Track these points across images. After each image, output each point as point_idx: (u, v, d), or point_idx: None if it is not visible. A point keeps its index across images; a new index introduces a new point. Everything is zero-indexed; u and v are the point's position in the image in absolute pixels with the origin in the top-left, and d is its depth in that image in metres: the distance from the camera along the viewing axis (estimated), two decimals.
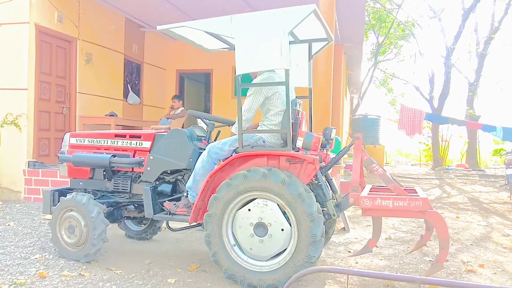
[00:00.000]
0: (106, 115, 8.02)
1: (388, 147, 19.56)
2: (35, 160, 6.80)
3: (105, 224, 3.80)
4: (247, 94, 3.56)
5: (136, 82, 10.03)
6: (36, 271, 3.53)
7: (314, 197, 3.24)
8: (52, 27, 7.13)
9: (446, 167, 16.46)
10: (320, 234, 3.17)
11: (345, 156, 9.71)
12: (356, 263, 4.17)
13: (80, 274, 3.52)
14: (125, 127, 8.12)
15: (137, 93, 9.99)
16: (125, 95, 9.51)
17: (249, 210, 3.32)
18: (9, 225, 5.05)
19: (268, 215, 3.27)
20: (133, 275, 3.56)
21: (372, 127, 15.13)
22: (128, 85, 9.66)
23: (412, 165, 20.43)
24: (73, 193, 3.88)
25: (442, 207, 7.58)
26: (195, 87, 12.70)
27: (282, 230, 3.25)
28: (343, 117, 11.69)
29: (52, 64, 7.32)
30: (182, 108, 8.87)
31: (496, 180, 12.19)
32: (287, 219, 3.26)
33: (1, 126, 6.50)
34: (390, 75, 22.60)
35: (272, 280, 3.23)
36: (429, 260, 4.29)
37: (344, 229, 5.46)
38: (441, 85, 17.61)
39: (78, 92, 7.83)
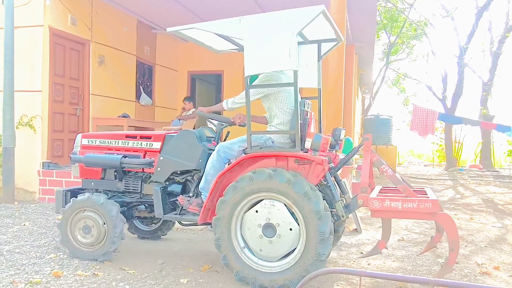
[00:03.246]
0: (118, 117, 8.10)
1: (400, 147, 19.39)
2: (49, 161, 6.90)
3: (123, 222, 3.89)
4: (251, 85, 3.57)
5: (148, 83, 10.11)
6: (51, 270, 3.58)
7: (320, 195, 3.24)
8: (65, 30, 7.23)
9: (460, 168, 16.26)
10: (329, 231, 3.17)
11: (357, 157, 9.66)
12: (369, 264, 4.15)
13: (94, 273, 3.55)
14: (138, 128, 8.19)
15: (149, 94, 10.07)
16: (138, 97, 9.60)
17: (257, 211, 3.33)
18: (24, 225, 5.13)
19: (275, 216, 3.28)
20: (146, 275, 3.59)
21: (384, 128, 15.00)
22: (140, 86, 9.75)
23: (425, 165, 20.22)
24: (86, 194, 3.93)
25: (456, 208, 7.50)
26: (206, 88, 12.74)
27: (291, 229, 3.25)
28: (354, 117, 11.64)
29: (65, 66, 7.42)
30: (194, 109, 8.92)
31: (511, 181, 12.01)
32: (295, 219, 3.26)
33: (17, 128, 6.60)
34: (402, 75, 22.42)
35: (284, 281, 3.23)
36: (442, 262, 4.24)
37: (356, 230, 5.43)
38: (454, 85, 17.41)
39: (91, 94, 7.92)
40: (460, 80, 17.00)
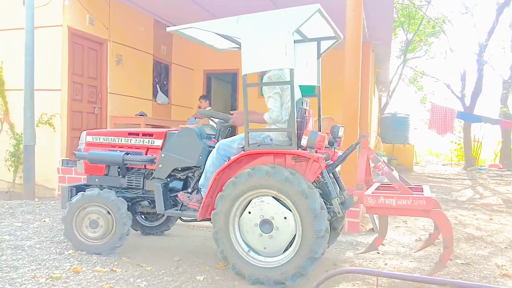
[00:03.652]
0: (136, 115, 8.19)
1: (418, 146, 19.13)
2: (68, 158, 7.02)
3: (131, 219, 4.01)
4: (267, 96, 3.57)
5: (164, 82, 10.20)
6: (71, 266, 3.64)
7: (317, 193, 3.29)
8: (84, 30, 7.34)
9: (479, 167, 15.96)
10: (324, 229, 3.22)
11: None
12: (386, 264, 4.11)
13: (112, 269, 3.61)
14: (154, 126, 8.27)
15: (166, 93, 10.15)
16: (154, 95, 9.69)
17: (250, 212, 3.41)
18: (44, 221, 5.24)
19: (267, 211, 3.35)
20: (162, 271, 3.63)
21: (401, 126, 14.82)
22: (157, 85, 9.83)
23: (443, 165, 19.92)
24: (96, 190, 4.03)
25: (475, 209, 7.37)
26: (222, 87, 12.80)
27: (285, 218, 3.31)
28: (371, 115, 11.51)
29: (84, 65, 7.53)
30: (209, 107, 8.96)
31: None
32: (285, 206, 3.32)
33: (37, 126, 6.73)
34: (420, 72, 22.09)
35: (279, 275, 3.29)
36: (461, 263, 4.18)
37: (373, 230, 5.38)
38: (473, 83, 17.08)
39: (109, 93, 8.03)
40: (480, 78, 16.67)
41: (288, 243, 3.33)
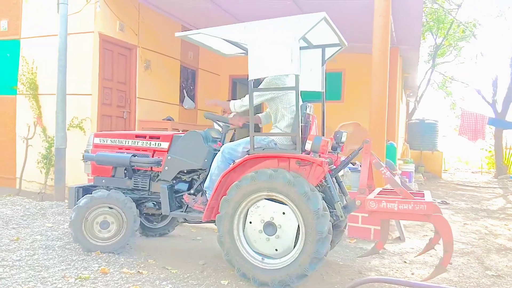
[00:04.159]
0: (163, 119, 8.32)
1: (446, 153, 18.67)
2: None
3: (139, 216, 4.17)
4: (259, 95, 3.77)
5: (191, 87, 10.33)
6: (99, 267, 3.73)
7: (319, 196, 3.35)
8: (114, 36, 7.53)
9: (511, 175, 15.43)
10: (327, 231, 3.27)
11: (401, 162, 9.40)
12: (412, 274, 4.03)
13: (138, 271, 3.67)
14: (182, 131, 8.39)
15: (192, 98, 10.28)
16: (181, 100, 9.82)
17: (251, 222, 3.48)
18: None
19: (265, 213, 3.43)
20: (188, 275, 3.67)
21: (429, 132, 14.52)
22: (184, 90, 9.97)
23: (472, 172, 19.35)
24: (104, 191, 4.10)
25: (507, 218, 7.13)
26: (247, 92, 12.82)
27: (284, 213, 3.38)
28: (398, 121, 11.32)
29: (113, 71, 7.73)
30: (235, 113, 9.00)
31: None
32: (279, 202, 3.40)
33: (68, 129, 6.93)
34: (449, 77, 21.59)
35: (284, 277, 3.33)
36: (492, 275, 4.05)
37: (400, 239, 5.29)
38: (506, 88, 16.54)
39: (137, 97, 8.19)
40: None
41: (295, 237, 3.38)
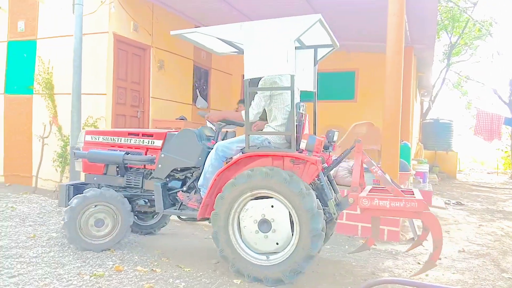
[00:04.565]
0: (176, 119, 8.37)
1: (461, 153, 18.42)
2: None
3: (132, 213, 4.20)
4: (255, 95, 3.78)
5: (204, 87, 10.38)
6: (113, 264, 3.78)
7: (314, 194, 3.40)
8: (128, 36, 7.60)
9: None
10: (320, 228, 3.32)
11: (415, 162, 9.30)
12: (426, 275, 3.99)
13: (152, 269, 3.71)
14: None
15: (205, 97, 10.32)
16: (194, 100, 9.87)
17: (245, 227, 3.51)
18: None
19: (256, 212, 3.47)
20: (200, 273, 3.69)
21: (444, 132, 14.34)
22: (197, 90, 10.02)
23: (488, 173, 19.06)
24: (95, 190, 4.12)
25: None
26: None
27: (272, 206, 3.43)
28: (413, 121, 11.20)
29: (128, 71, 7.80)
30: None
31: None
32: (267, 197, 3.45)
33: (83, 128, 7.02)
34: (465, 77, 21.29)
35: (278, 273, 3.37)
36: (508, 277, 3.99)
37: (413, 240, 5.23)
38: None
39: (151, 97, 8.26)
40: None
41: (291, 226, 3.41)
